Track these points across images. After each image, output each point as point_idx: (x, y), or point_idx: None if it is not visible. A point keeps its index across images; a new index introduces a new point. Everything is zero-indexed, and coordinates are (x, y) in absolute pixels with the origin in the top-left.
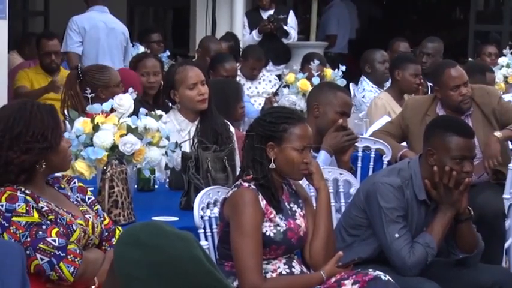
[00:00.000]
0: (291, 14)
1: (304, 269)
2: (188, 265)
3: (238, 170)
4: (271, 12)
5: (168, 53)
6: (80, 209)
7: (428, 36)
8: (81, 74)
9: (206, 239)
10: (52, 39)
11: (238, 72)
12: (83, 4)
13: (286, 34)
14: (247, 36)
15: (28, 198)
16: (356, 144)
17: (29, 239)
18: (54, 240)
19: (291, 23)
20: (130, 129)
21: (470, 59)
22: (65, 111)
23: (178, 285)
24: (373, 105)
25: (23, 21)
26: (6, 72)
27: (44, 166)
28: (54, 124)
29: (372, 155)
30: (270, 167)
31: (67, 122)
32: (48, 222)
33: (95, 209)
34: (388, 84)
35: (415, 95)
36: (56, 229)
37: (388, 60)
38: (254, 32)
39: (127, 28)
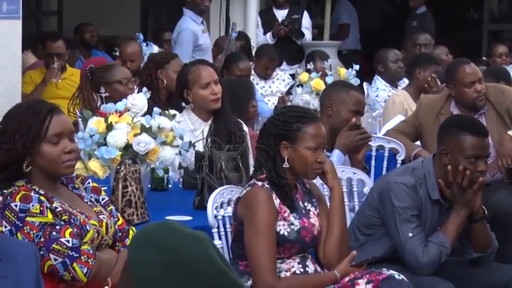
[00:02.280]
0: (305, 15)
1: (318, 268)
2: (203, 265)
3: (251, 169)
4: (285, 11)
5: None
6: (94, 209)
7: (440, 36)
8: (89, 73)
9: (220, 239)
10: (56, 41)
11: (252, 72)
12: (96, 4)
13: (302, 35)
14: (261, 37)
15: (42, 198)
16: (370, 143)
17: (42, 240)
18: (68, 241)
19: (305, 24)
20: (144, 129)
21: (484, 58)
22: (77, 111)
23: (193, 285)
24: (391, 102)
25: (37, 21)
26: (20, 72)
27: (28, 167)
28: (31, 127)
29: (386, 154)
30: (283, 166)
31: (80, 122)
32: (62, 222)
33: (108, 209)
34: (401, 83)
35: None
36: (70, 229)
37: (401, 59)
38: (268, 35)
39: (140, 29)
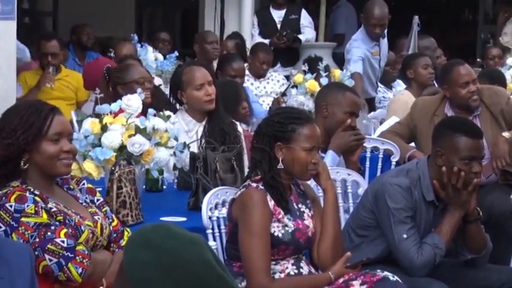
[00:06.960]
0: (303, 13)
1: (313, 270)
2: (200, 268)
3: (246, 170)
4: (283, 12)
5: (176, 53)
6: (89, 210)
7: (436, 38)
8: (107, 74)
9: (214, 240)
10: (50, 41)
11: (247, 72)
12: (91, 5)
13: (300, 41)
14: (256, 37)
15: (37, 198)
16: (364, 144)
17: (37, 240)
18: (63, 241)
19: (305, 23)
20: (138, 130)
21: (478, 60)
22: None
23: (188, 287)
24: (395, 100)
25: (32, 22)
26: (15, 73)
27: (25, 164)
28: (32, 124)
29: (381, 156)
30: (278, 167)
31: (75, 123)
32: (57, 223)
33: (103, 210)
34: (395, 84)
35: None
36: (65, 230)
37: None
38: (266, 42)
39: (135, 30)
